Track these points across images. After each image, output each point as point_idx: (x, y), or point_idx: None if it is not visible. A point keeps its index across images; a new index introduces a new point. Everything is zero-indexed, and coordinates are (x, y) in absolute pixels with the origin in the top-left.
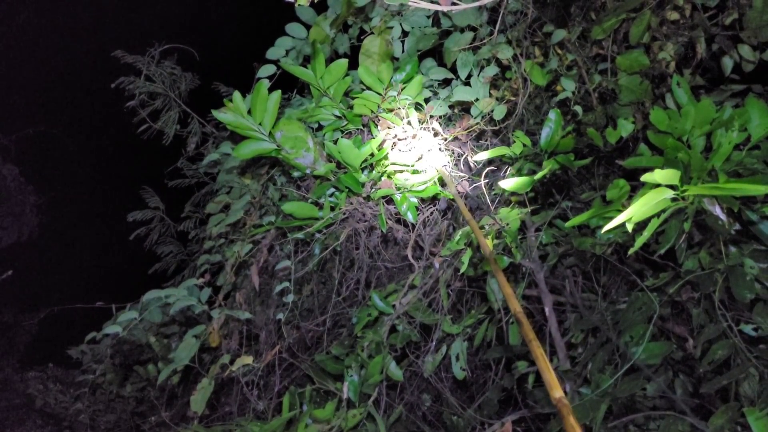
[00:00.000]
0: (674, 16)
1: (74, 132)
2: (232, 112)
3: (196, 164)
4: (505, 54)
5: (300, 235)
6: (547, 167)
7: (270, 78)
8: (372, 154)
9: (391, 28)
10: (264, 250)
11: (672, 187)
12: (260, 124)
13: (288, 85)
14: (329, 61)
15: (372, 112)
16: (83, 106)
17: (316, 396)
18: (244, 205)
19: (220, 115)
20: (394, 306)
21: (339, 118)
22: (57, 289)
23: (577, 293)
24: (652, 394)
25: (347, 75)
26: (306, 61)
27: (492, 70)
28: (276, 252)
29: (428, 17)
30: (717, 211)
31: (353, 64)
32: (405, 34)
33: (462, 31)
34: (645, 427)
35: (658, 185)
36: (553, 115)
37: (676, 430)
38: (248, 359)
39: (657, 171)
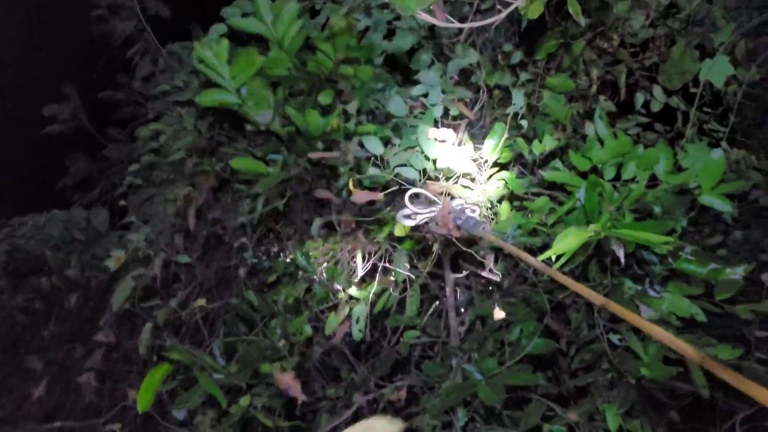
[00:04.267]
0: (603, 44)
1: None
2: (213, 56)
3: (136, 82)
4: (472, 58)
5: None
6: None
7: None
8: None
9: (359, 20)
10: (203, 195)
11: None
12: (233, 78)
13: None
14: None
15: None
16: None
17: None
18: (187, 144)
19: (200, 52)
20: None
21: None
22: None
23: (473, 279)
24: None
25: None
26: None
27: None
28: (212, 199)
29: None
30: (620, 252)
31: None
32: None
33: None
34: (510, 407)
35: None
36: (498, 128)
37: (539, 412)
38: (202, 301)
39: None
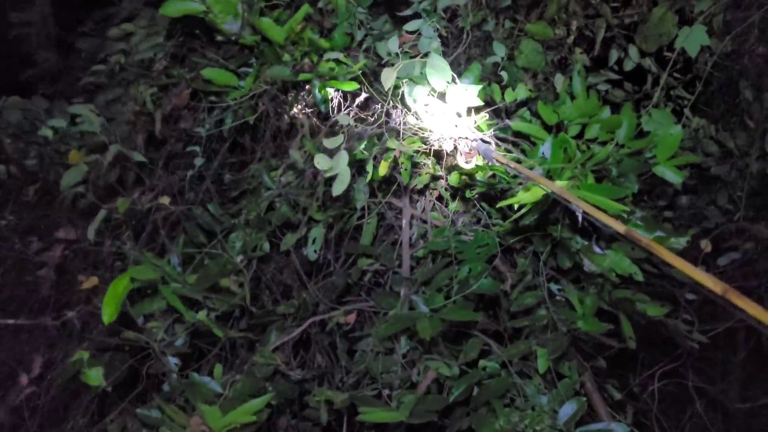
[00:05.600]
0: None
1: None
2: None
3: None
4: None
5: (226, 102)
6: None
7: None
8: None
9: None
10: (172, 100)
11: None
12: None
13: None
14: None
15: None
16: None
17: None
18: (155, 47)
19: None
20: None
21: None
22: None
23: (428, 213)
24: None
25: None
26: None
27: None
28: (184, 108)
29: None
30: (579, 212)
31: None
32: None
33: None
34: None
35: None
36: (475, 68)
37: (476, 348)
38: (166, 199)
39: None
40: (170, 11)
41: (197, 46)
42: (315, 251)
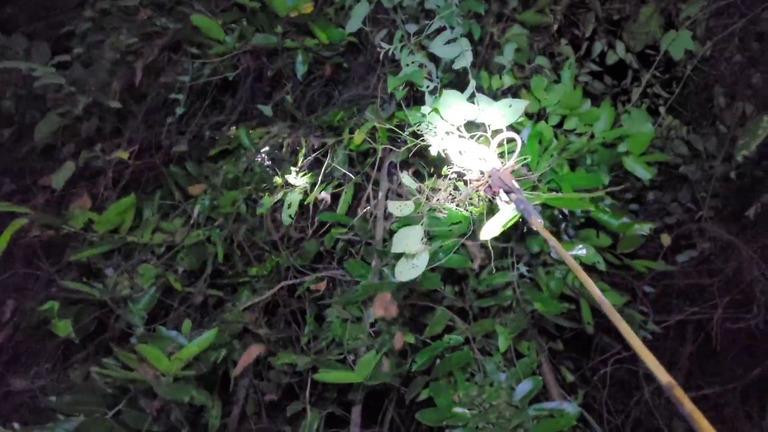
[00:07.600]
0: None
1: None
2: None
3: None
4: None
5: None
6: None
7: None
8: None
9: None
10: (155, 50)
11: None
12: None
13: None
14: None
15: None
16: None
17: (163, 206)
18: None
19: None
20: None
21: None
22: None
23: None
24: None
25: None
26: None
27: None
28: (165, 60)
29: None
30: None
31: None
32: None
33: None
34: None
35: None
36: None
37: (442, 322)
38: (125, 154)
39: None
40: None
41: None
42: (290, 216)
